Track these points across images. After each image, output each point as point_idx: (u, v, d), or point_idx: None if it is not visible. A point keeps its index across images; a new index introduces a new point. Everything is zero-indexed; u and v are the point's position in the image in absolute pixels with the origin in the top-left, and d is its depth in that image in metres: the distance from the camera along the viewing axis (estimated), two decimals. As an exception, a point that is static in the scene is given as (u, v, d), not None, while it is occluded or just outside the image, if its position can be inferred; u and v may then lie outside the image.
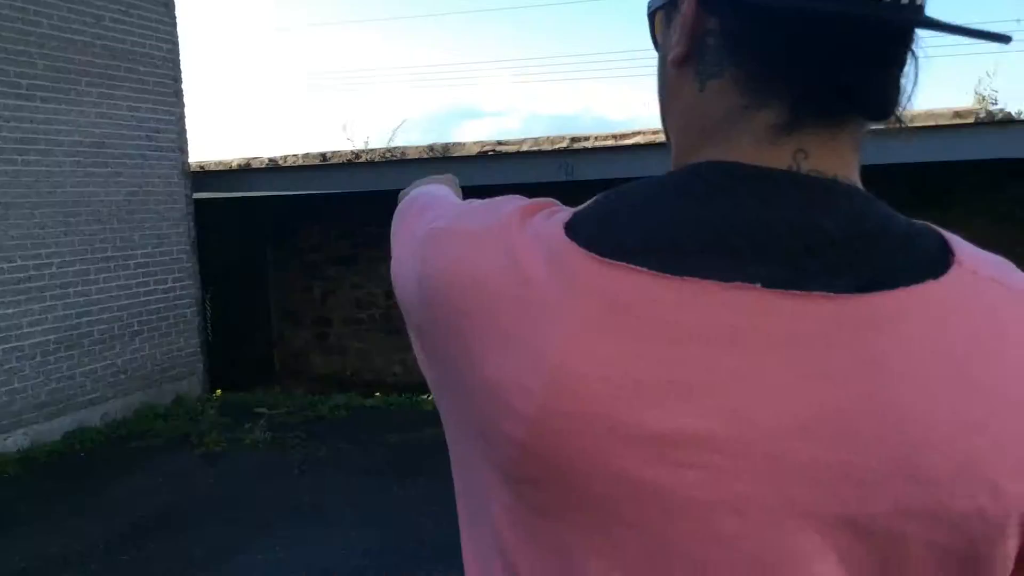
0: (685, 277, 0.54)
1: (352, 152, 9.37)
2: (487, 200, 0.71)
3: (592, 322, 0.54)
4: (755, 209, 0.56)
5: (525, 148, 8.71)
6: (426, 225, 0.72)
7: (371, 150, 9.40)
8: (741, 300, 0.54)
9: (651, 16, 0.70)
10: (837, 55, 0.57)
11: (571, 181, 8.76)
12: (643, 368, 0.53)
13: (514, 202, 0.66)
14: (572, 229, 0.59)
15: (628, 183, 0.63)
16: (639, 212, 0.58)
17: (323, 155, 9.30)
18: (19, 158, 6.75)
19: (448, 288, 0.63)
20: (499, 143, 8.87)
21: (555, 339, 0.55)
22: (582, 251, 0.57)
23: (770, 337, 0.53)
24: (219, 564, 4.69)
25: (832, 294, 0.54)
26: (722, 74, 0.61)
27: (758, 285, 0.54)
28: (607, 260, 0.56)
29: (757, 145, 0.59)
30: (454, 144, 9.00)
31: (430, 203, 0.85)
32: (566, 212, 0.63)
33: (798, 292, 0.54)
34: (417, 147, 9.20)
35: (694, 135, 0.64)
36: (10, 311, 6.62)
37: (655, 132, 8.17)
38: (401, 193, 1.15)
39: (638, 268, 0.55)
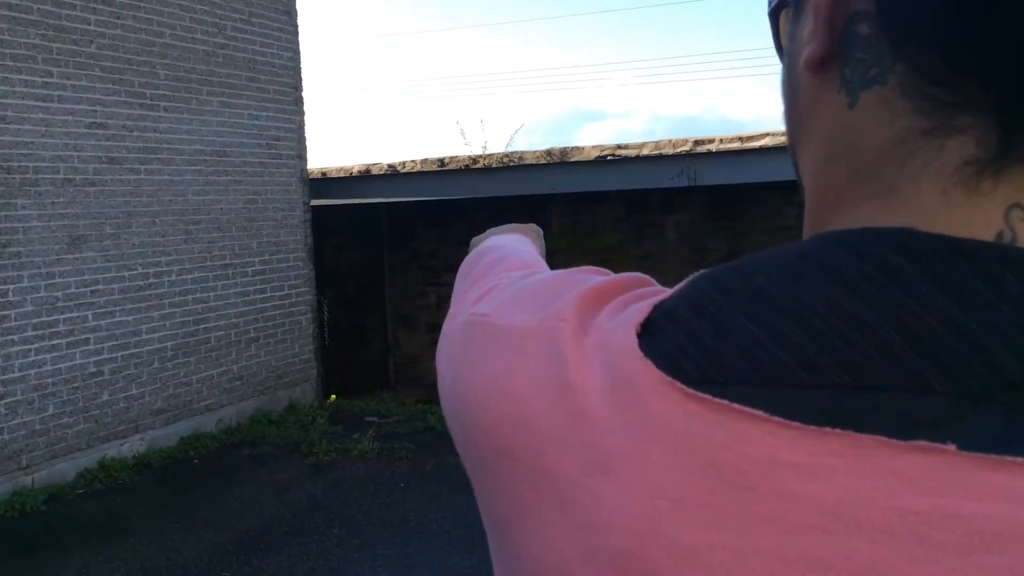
0: (830, 428, 0.35)
1: (469, 157, 9.34)
2: (556, 274, 0.54)
3: (677, 491, 0.37)
4: (945, 313, 0.36)
5: (645, 152, 8.44)
6: (471, 304, 0.57)
7: (488, 155, 9.36)
8: (925, 470, 0.34)
9: (773, 15, 0.51)
10: None
11: (693, 187, 8.43)
12: (765, 571, 0.35)
13: (583, 283, 0.49)
14: (651, 335, 0.41)
15: (740, 259, 0.43)
16: (754, 313, 0.39)
17: (441, 160, 9.31)
18: (142, 167, 6.90)
19: (483, 414, 0.47)
20: (618, 147, 8.64)
21: (622, 511, 0.38)
22: (660, 376, 0.39)
23: (973, 531, 0.33)
24: (318, 584, 4.61)
25: None
26: (884, 79, 0.41)
27: (952, 446, 0.34)
28: (700, 395, 0.38)
29: (946, 196, 0.39)
30: (572, 148, 8.84)
31: (496, 263, 0.70)
32: (646, 303, 0.44)
33: (1020, 458, 0.34)
34: (535, 152, 9.10)
35: (842, 177, 0.43)
36: (130, 318, 6.77)
37: (784, 134, 7.74)
38: (473, 241, 0.98)
39: (751, 410, 0.37)
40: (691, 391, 0.38)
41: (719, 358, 0.39)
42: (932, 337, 0.35)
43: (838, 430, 0.35)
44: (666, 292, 0.45)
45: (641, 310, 0.43)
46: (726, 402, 0.37)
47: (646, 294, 0.46)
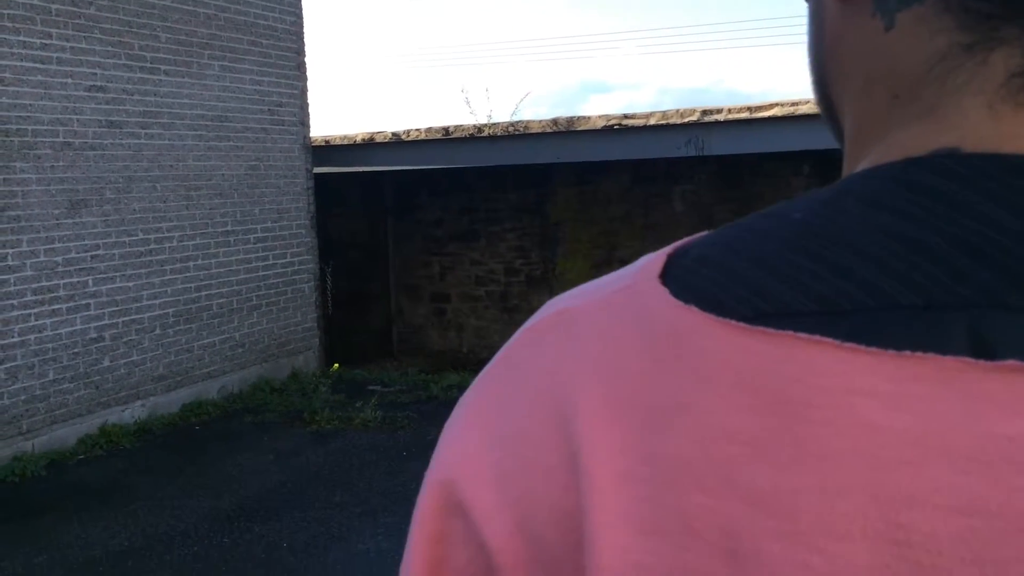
0: (910, 352, 0.32)
1: (475, 126, 9.26)
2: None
3: (746, 434, 0.34)
4: (1005, 226, 0.33)
5: (653, 122, 8.35)
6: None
7: (494, 124, 9.28)
8: (1016, 392, 0.31)
9: None
10: None
11: (701, 157, 8.35)
12: (853, 512, 0.32)
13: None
14: (679, 282, 0.38)
15: (766, 208, 0.40)
16: (799, 246, 0.36)
17: (446, 129, 9.23)
18: (143, 132, 6.82)
19: (488, 467, 0.40)
20: (626, 116, 8.56)
21: (689, 467, 0.34)
22: (707, 318, 0.36)
23: None
24: (320, 552, 4.59)
25: None
26: None
27: None
28: (759, 329, 0.34)
29: (992, 111, 0.36)
30: (579, 118, 8.76)
31: None
32: (657, 255, 0.41)
33: None
34: (540, 121, 9.02)
35: (882, 103, 0.41)
36: (131, 284, 6.72)
37: (794, 104, 7.66)
38: None
39: (820, 338, 0.33)
40: (748, 327, 0.35)
41: (769, 292, 0.35)
42: (997, 251, 0.33)
43: (919, 353, 0.32)
44: (670, 247, 0.41)
45: (655, 262, 0.40)
46: (791, 332, 0.34)
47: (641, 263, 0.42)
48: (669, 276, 0.39)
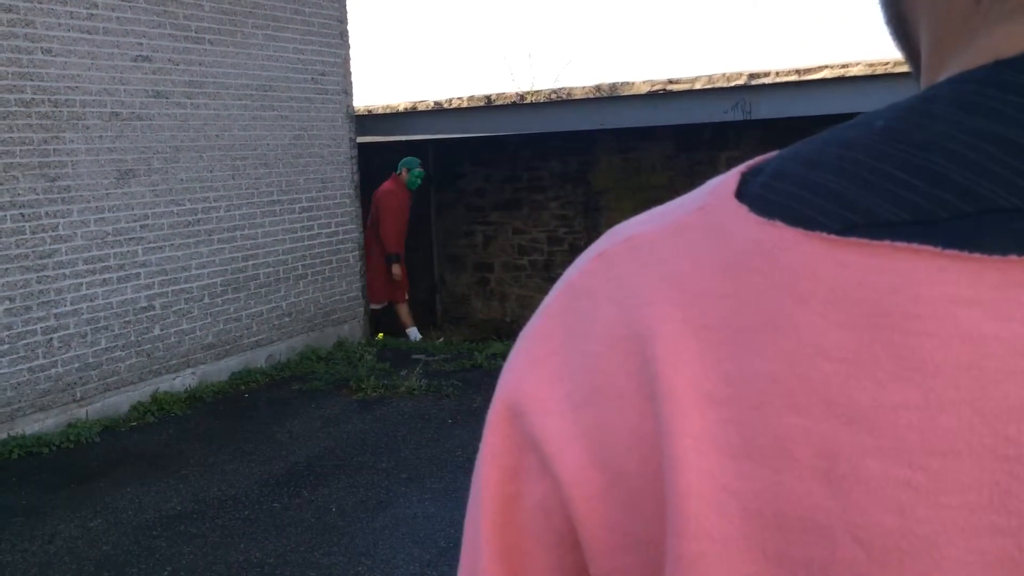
0: (1016, 256, 0.30)
1: (517, 94, 9.19)
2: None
3: (841, 350, 0.32)
4: None
5: (698, 86, 8.20)
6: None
7: (536, 91, 9.19)
8: None
9: None
10: None
11: (748, 122, 8.19)
12: (960, 427, 0.30)
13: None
14: (755, 198, 0.36)
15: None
16: (886, 153, 0.34)
17: (488, 97, 9.17)
18: (188, 101, 6.85)
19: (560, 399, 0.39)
20: (670, 81, 8.42)
21: (781, 386, 0.33)
22: (794, 232, 0.34)
23: None
24: (369, 516, 4.63)
25: None
26: None
27: None
28: (852, 239, 0.33)
29: None
30: (622, 83, 8.64)
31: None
32: (729, 174, 0.39)
33: None
34: (584, 87, 8.92)
35: (962, 9, 0.39)
36: (179, 253, 6.79)
37: (844, 66, 7.47)
38: None
39: (918, 246, 0.32)
40: (839, 238, 0.33)
41: (858, 203, 0.33)
42: None
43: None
44: (741, 167, 0.40)
45: (728, 181, 0.38)
46: (887, 242, 0.32)
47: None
48: (745, 194, 0.37)
